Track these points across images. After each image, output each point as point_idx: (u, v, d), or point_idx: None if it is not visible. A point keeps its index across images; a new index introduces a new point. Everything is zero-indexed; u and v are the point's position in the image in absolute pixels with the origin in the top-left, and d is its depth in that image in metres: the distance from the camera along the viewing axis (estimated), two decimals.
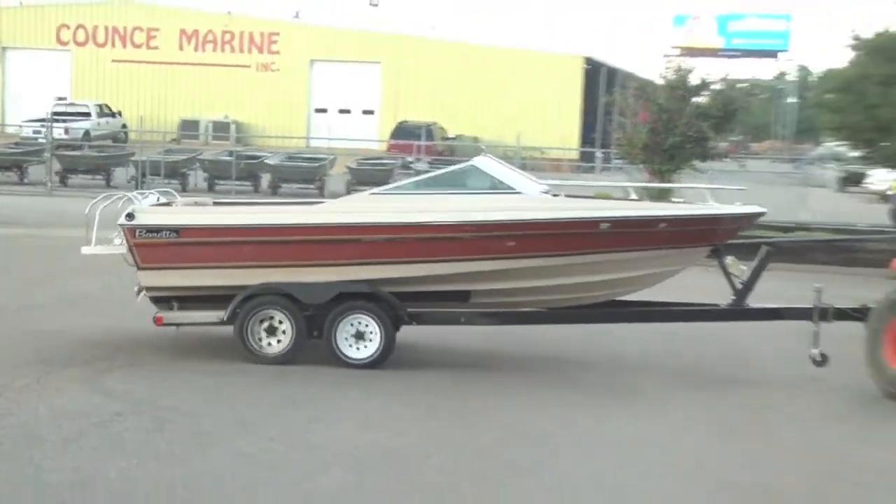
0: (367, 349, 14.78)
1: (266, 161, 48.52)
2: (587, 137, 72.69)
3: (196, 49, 78.14)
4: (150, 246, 15.19)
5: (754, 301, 15.84)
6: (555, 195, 15.75)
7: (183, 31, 78.13)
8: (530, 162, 58.91)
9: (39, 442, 11.03)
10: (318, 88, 76.92)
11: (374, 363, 14.71)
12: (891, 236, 30.52)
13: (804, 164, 64.36)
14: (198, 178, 46.90)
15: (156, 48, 77.96)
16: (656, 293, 16.43)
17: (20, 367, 14.12)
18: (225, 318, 14.91)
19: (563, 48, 79.90)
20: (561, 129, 70.62)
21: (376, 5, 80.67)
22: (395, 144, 62.66)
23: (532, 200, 15.27)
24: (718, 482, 11.19)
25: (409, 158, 52.03)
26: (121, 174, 46.67)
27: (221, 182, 46.29)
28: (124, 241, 15.23)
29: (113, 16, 78.46)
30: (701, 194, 18.32)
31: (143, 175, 45.32)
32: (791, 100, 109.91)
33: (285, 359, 14.80)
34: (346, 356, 14.73)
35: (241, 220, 15.82)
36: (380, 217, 15.14)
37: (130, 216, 15.20)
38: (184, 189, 46.10)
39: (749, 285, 15.59)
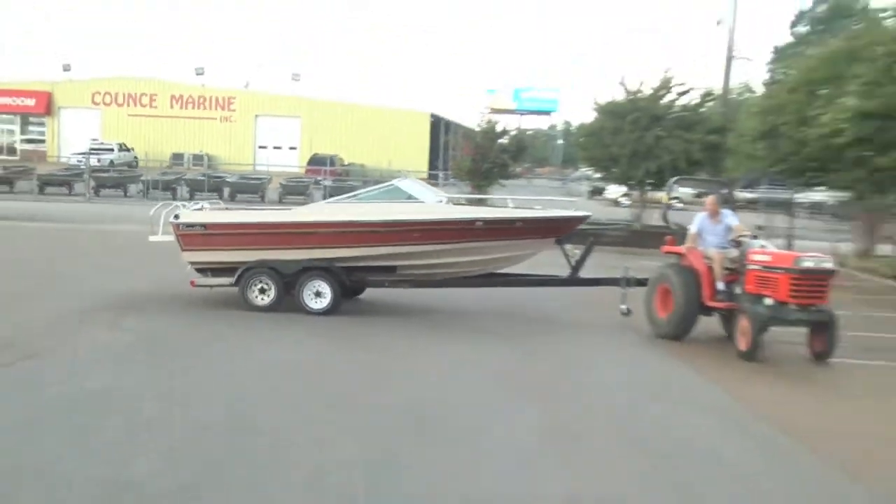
0: (322, 303, 15.09)
1: (227, 180, 49.71)
2: (433, 164, 73.15)
3: (181, 107, 77.10)
4: (188, 235, 15.70)
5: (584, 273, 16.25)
6: (446, 203, 16.07)
7: (172, 96, 77.02)
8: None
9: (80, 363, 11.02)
10: (260, 133, 76.54)
11: (327, 312, 14.96)
12: (623, 226, 31.46)
13: (568, 182, 65.54)
14: (183, 191, 46.67)
15: (155, 107, 76.89)
16: (524, 268, 16.66)
17: (94, 310, 14.25)
18: (233, 282, 15.35)
19: (417, 107, 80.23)
20: (416, 158, 71.88)
21: (298, 79, 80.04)
22: (310, 169, 62.29)
23: (431, 206, 15.68)
24: (503, 375, 11.33)
25: (319, 178, 52.52)
26: (133, 188, 46.51)
27: (198, 193, 46.18)
28: (173, 233, 15.80)
29: (128, 86, 77.22)
30: (552, 202, 20.00)
31: (148, 189, 46.07)
32: (559, 141, 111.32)
33: (270, 308, 15.06)
34: (309, 307, 15.06)
35: (243, 219, 16.40)
36: (331, 217, 15.63)
37: (177, 217, 15.87)
38: (174, 198, 46.00)
39: (581, 262, 16.15)
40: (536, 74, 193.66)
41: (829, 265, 12.76)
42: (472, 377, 11.26)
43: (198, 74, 77.15)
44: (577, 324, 15.63)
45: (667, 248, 14.95)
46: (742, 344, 12.89)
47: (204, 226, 15.85)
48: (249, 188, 47.69)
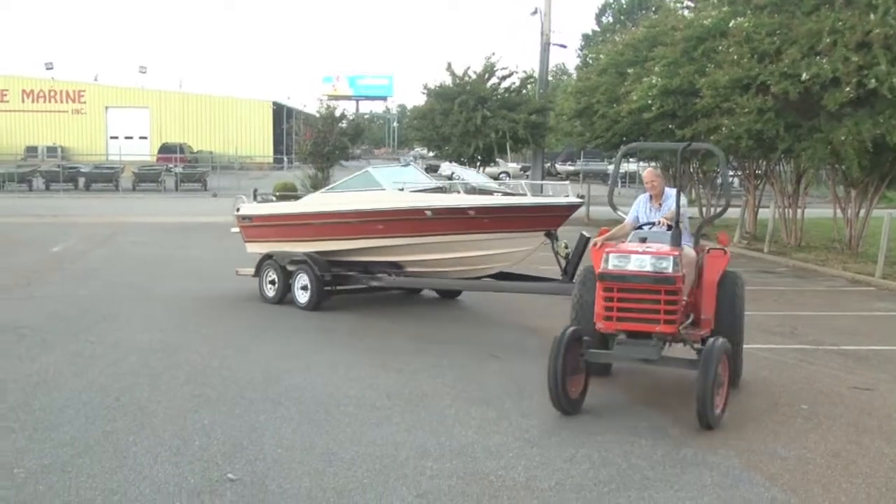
0: (305, 297, 13.26)
1: (81, 170, 47.79)
2: (277, 148, 72.31)
3: (33, 101, 73.44)
4: (245, 228, 14.79)
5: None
6: (401, 190, 13.48)
7: (24, 90, 73.26)
8: (246, 164, 58.71)
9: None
10: (111, 124, 73.76)
11: (308, 307, 13.21)
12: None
13: (406, 161, 65.61)
14: (38, 183, 44.75)
15: (7, 101, 72.97)
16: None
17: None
18: (252, 274, 14.21)
19: (260, 96, 79.21)
20: (261, 144, 71.27)
21: (145, 71, 77.63)
22: (161, 157, 60.94)
23: (388, 195, 13.33)
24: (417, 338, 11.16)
25: (170, 165, 51.39)
26: None
27: (54, 184, 44.54)
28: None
29: None
30: (562, 188, 16.67)
31: (4, 182, 44.34)
32: (395, 124, 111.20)
33: (276, 301, 13.61)
34: (297, 301, 13.33)
35: (269, 211, 15.05)
36: (303, 209, 14.20)
37: (238, 209, 14.86)
38: (30, 189, 44.25)
39: (574, 264, 11.81)
40: (371, 61, 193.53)
41: (655, 266, 7.60)
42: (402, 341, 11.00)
43: (47, 69, 73.90)
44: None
45: (596, 250, 8.80)
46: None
47: (251, 218, 14.70)
48: (103, 177, 46.32)
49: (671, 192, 9.12)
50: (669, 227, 8.39)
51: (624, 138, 29.09)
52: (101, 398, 8.21)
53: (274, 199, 16.72)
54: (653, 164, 33.72)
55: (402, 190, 13.51)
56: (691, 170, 30.16)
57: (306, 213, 14.12)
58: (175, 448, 6.83)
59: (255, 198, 15.86)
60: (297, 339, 11.37)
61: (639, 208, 9.41)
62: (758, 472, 6.52)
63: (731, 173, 31.73)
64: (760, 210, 26.06)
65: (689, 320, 8.38)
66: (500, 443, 7.12)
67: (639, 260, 7.64)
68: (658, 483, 6.27)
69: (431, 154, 45.75)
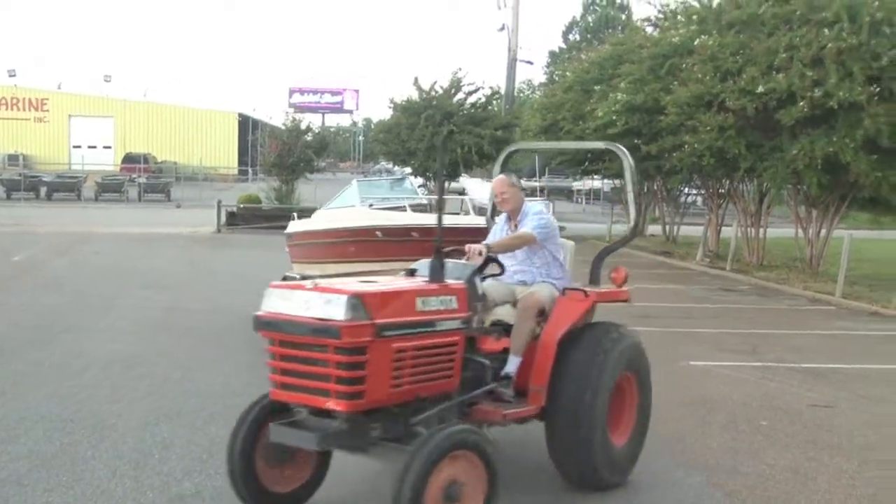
0: None
1: (43, 179, 47.45)
2: (242, 160, 72.10)
3: None
4: (290, 247, 13.69)
5: None
6: (372, 207, 13.27)
7: None
8: (211, 175, 58.51)
9: None
10: (74, 133, 73.20)
11: None
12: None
13: (370, 174, 65.56)
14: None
15: None
16: None
17: None
18: None
19: (226, 107, 79.15)
20: (226, 155, 71.07)
21: (109, 80, 77.39)
22: (125, 167, 60.66)
23: (357, 212, 13.15)
24: None
25: (134, 175, 51.21)
26: None
27: (15, 192, 44.14)
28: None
29: None
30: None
31: None
32: (361, 137, 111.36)
33: None
34: None
35: (304, 228, 13.78)
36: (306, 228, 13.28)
37: (285, 228, 13.96)
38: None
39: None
40: (337, 74, 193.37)
41: (322, 310, 5.00)
42: None
43: (10, 76, 73.25)
44: None
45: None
46: None
47: (291, 236, 13.68)
48: (66, 187, 46.04)
49: (531, 207, 6.84)
50: (491, 260, 6.21)
51: (589, 155, 29.27)
52: (59, 410, 8.08)
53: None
54: (607, 179, 33.92)
55: (371, 206, 12.85)
56: (655, 187, 30.38)
57: (295, 234, 13.55)
58: (134, 462, 6.74)
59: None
60: (259, 351, 11.26)
61: (494, 232, 7.04)
62: (718, 489, 6.55)
63: (693, 192, 32.06)
64: (723, 228, 26.30)
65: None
66: None
67: (304, 300, 5.12)
68: (620, 500, 6.28)
69: (396, 168, 45.74)
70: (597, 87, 26.41)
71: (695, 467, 7.05)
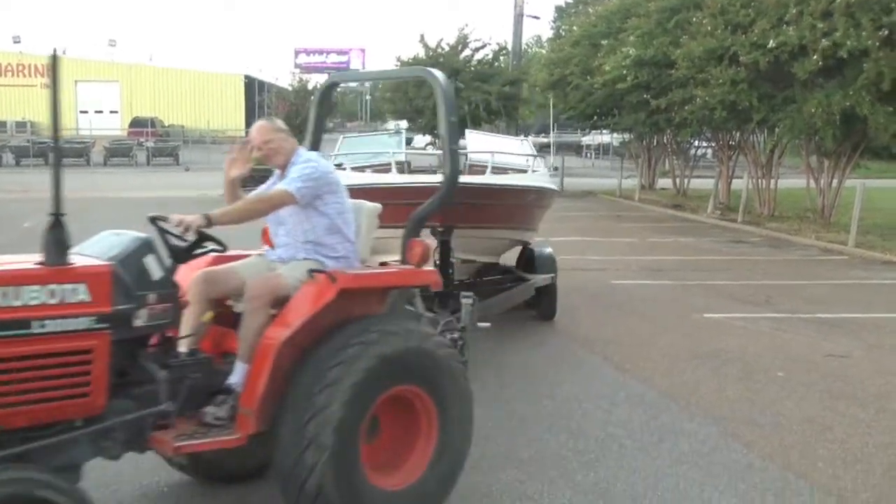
0: None
1: (51, 145, 47.14)
2: (250, 122, 71.83)
3: (1, 75, 72.85)
4: None
5: None
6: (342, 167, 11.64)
7: None
8: (218, 137, 58.47)
9: None
10: (81, 98, 72.73)
11: None
12: None
13: (398, 127, 65.55)
14: (8, 158, 44.26)
15: None
16: None
17: None
18: None
19: (232, 69, 79.05)
20: (234, 118, 70.83)
21: (115, 45, 77.12)
22: (132, 131, 60.43)
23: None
24: None
25: (142, 139, 51.15)
26: None
27: (24, 159, 44.11)
28: None
29: None
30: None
31: None
32: (368, 97, 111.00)
33: None
34: None
35: None
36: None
37: None
38: (0, 164, 43.95)
39: None
40: (343, 33, 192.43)
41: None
42: None
43: (15, 42, 73.03)
44: None
45: None
46: None
47: None
48: (74, 152, 45.67)
49: (300, 156, 5.05)
50: (205, 238, 4.68)
51: (598, 109, 29.14)
52: None
53: None
54: (616, 134, 33.78)
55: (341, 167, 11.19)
56: (665, 140, 30.24)
57: None
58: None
59: None
60: None
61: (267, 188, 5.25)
62: (735, 440, 6.56)
63: (703, 144, 31.91)
64: (734, 181, 26.17)
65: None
66: (480, 415, 7.14)
67: None
68: (635, 451, 6.29)
69: (405, 126, 45.69)
70: (604, 42, 26.24)
71: (711, 417, 7.07)
